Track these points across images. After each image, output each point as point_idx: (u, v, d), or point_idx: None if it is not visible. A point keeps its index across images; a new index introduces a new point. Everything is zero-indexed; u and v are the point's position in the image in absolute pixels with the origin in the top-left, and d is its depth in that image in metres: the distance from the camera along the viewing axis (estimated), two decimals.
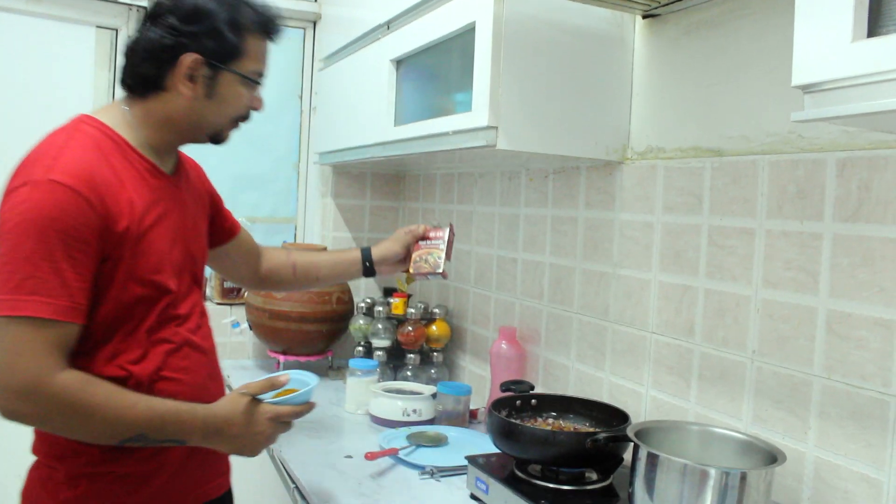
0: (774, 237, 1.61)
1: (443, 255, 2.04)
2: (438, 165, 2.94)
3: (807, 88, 1.05)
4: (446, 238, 2.07)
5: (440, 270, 2.02)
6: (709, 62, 1.79)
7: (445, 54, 2.13)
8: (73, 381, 1.40)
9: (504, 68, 1.83)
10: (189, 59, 1.52)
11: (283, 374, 1.63)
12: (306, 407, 1.62)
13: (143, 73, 1.56)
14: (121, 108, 1.59)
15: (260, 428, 1.56)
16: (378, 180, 3.36)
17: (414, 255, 2.08)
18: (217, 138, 1.68)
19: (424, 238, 2.09)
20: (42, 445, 1.55)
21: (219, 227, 1.92)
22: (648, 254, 1.94)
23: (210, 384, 1.68)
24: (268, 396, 1.59)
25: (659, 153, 1.92)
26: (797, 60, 1.05)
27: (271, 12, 1.62)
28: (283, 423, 1.60)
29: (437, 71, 2.22)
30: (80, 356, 1.46)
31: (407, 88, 2.37)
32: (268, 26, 1.62)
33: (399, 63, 2.38)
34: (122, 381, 1.49)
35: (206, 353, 1.68)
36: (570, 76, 1.94)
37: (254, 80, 1.62)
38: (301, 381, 1.66)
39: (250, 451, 1.58)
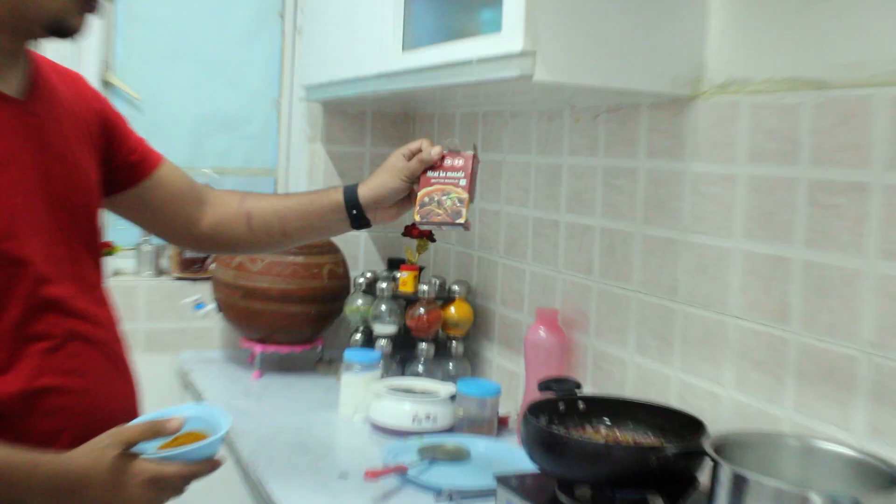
0: (895, 194, 1.58)
1: (465, 197, 1.84)
2: (458, 102, 2.91)
3: None
4: (469, 170, 1.86)
5: (461, 220, 1.83)
6: None
7: None
8: None
9: None
10: None
11: (176, 417, 1.45)
12: (206, 466, 1.45)
13: None
14: None
15: (131, 492, 1.38)
16: (381, 121, 3.34)
17: (421, 195, 1.87)
18: (61, 29, 1.48)
19: (434, 168, 1.88)
20: None
21: (121, 161, 1.77)
22: (729, 216, 1.92)
23: (114, 384, 1.60)
24: (153, 446, 1.43)
25: (743, 86, 1.90)
26: None
27: None
28: (166, 487, 1.42)
29: None
30: None
31: (419, 3, 2.35)
32: None
33: None
34: None
35: (103, 345, 1.59)
36: None
37: None
38: (207, 422, 1.49)
39: None
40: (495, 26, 1.89)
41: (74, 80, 1.71)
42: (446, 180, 1.86)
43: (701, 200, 2.00)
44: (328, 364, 3.01)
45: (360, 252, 3.32)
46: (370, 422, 2.43)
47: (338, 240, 3.03)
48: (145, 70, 3.27)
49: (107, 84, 3.18)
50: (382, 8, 2.43)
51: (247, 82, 3.42)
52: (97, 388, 1.54)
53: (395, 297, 2.82)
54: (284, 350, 2.93)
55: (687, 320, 2.04)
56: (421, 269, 2.93)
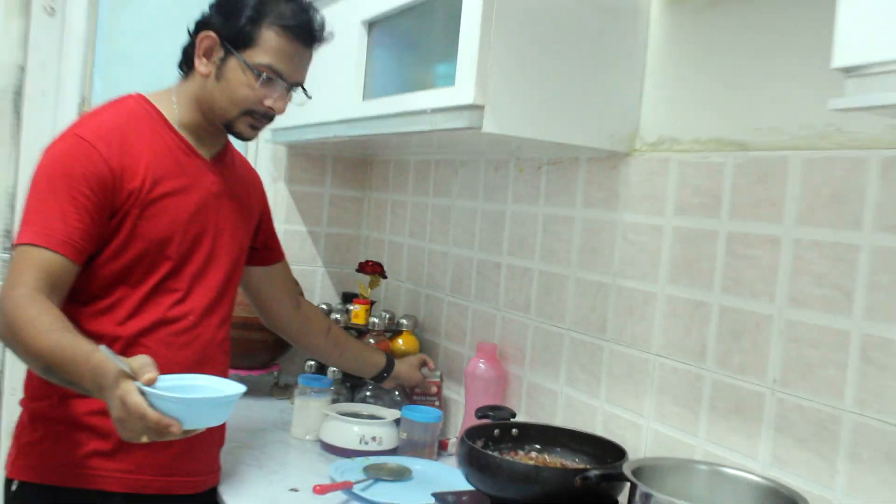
0: (804, 248, 1.61)
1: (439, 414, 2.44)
2: (413, 150, 2.94)
3: (850, 72, 1.05)
4: (440, 394, 2.57)
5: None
6: (737, 40, 1.79)
7: (427, 17, 2.13)
8: (22, 296, 1.62)
9: (496, 36, 1.83)
10: (204, 35, 1.85)
11: (152, 372, 1.47)
12: (177, 428, 1.45)
13: (184, 50, 1.94)
14: (170, 90, 1.95)
15: (112, 403, 1.46)
16: (341, 165, 3.36)
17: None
18: (231, 128, 1.92)
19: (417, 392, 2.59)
20: (24, 384, 1.89)
21: (257, 245, 2.18)
22: (655, 262, 1.95)
23: (215, 350, 1.96)
24: (169, 381, 1.48)
25: (673, 145, 1.93)
26: (840, 39, 1.05)
27: (305, 17, 1.86)
28: (128, 418, 1.45)
29: (415, 37, 2.22)
30: (76, 306, 1.77)
31: (379, 56, 2.37)
32: (291, 26, 1.84)
33: (372, 25, 2.38)
34: (102, 338, 1.68)
35: (192, 348, 1.88)
36: (572, 50, 1.93)
37: (256, 71, 1.83)
38: (212, 389, 1.55)
39: (119, 428, 1.48)
40: (449, 80, 1.91)
41: (253, 176, 2.18)
42: (425, 400, 2.58)
43: (630, 248, 2.03)
44: (283, 388, 3.00)
45: (317, 286, 3.31)
46: (320, 441, 2.43)
47: (297, 274, 3.03)
48: None
49: None
50: (346, 58, 2.44)
51: None
52: (173, 371, 1.60)
53: (348, 328, 2.81)
54: (243, 373, 2.89)
55: (613, 357, 2.06)
56: (372, 303, 2.93)
